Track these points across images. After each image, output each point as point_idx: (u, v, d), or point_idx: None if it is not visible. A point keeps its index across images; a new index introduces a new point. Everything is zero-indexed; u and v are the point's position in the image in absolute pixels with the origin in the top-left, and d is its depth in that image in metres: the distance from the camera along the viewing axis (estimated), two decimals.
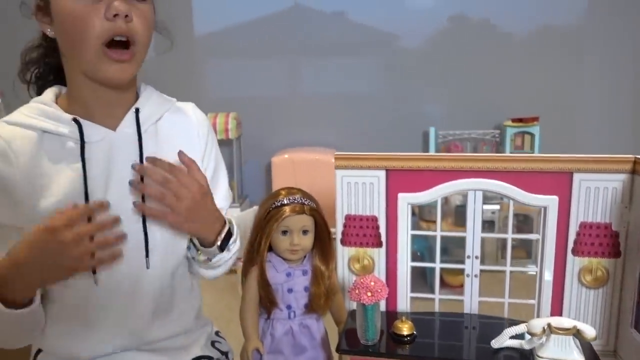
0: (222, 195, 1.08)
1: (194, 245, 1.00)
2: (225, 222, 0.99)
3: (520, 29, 3.47)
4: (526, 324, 1.02)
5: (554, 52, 3.44)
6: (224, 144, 3.38)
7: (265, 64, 3.71)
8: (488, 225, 2.94)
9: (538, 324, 0.99)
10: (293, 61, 3.75)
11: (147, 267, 0.94)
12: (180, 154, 0.92)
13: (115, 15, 0.83)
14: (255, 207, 3.00)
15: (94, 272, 0.89)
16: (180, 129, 1.01)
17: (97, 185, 0.90)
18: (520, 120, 3.09)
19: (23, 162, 0.87)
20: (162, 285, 0.97)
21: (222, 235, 0.97)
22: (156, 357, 1.00)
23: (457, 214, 2.68)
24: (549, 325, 0.99)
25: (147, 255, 0.93)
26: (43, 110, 0.90)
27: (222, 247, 0.97)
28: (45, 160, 0.88)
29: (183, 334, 1.04)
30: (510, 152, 3.13)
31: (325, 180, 3.10)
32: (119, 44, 0.86)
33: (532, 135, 3.08)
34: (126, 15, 0.84)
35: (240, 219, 2.77)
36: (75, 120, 0.90)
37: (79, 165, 0.89)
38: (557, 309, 1.20)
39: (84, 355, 0.96)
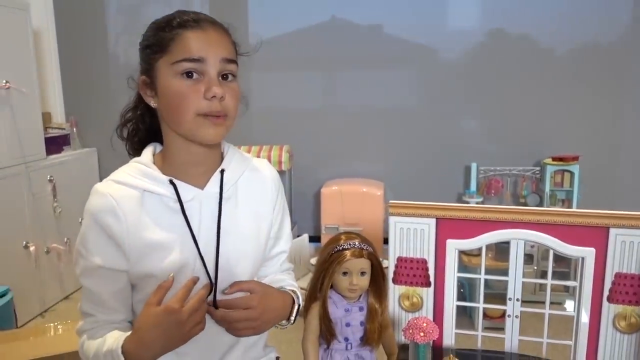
0: (285, 239, 1.26)
1: None
2: (293, 301, 1.18)
3: (562, 49, 3.46)
4: None
5: (596, 74, 3.43)
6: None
7: (301, 79, 3.75)
8: (527, 258, 2.96)
9: None
10: (330, 75, 3.79)
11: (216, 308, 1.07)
12: (232, 286, 1.07)
13: (212, 97, 0.98)
14: (306, 235, 3.15)
15: None
16: (256, 186, 1.17)
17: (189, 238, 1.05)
18: (560, 159, 3.13)
19: (130, 218, 1.01)
20: None
21: (294, 314, 1.17)
22: None
23: (498, 249, 2.71)
24: None
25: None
26: (143, 171, 1.05)
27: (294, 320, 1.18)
28: (146, 215, 1.02)
29: None
30: (550, 189, 3.17)
31: (369, 210, 3.24)
32: None
33: (572, 173, 3.11)
34: (222, 97, 0.99)
35: (293, 245, 2.91)
36: (170, 181, 1.04)
37: (177, 220, 1.04)
38: (592, 351, 1.29)
39: None
